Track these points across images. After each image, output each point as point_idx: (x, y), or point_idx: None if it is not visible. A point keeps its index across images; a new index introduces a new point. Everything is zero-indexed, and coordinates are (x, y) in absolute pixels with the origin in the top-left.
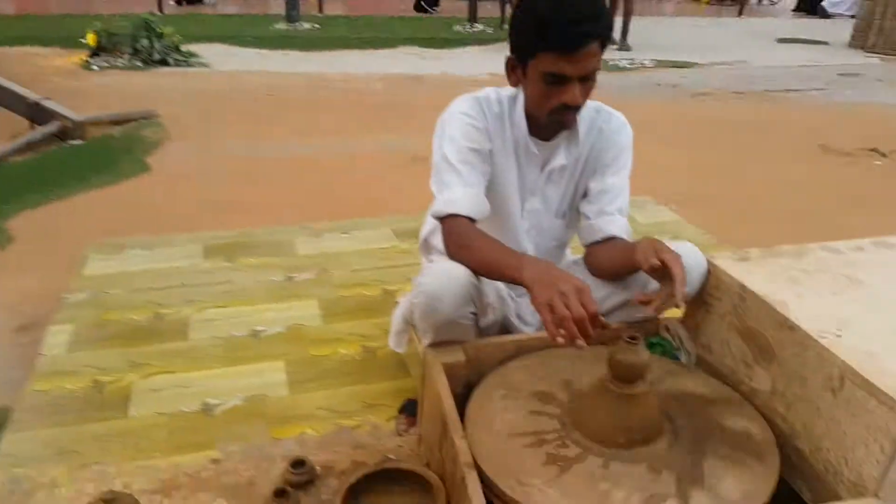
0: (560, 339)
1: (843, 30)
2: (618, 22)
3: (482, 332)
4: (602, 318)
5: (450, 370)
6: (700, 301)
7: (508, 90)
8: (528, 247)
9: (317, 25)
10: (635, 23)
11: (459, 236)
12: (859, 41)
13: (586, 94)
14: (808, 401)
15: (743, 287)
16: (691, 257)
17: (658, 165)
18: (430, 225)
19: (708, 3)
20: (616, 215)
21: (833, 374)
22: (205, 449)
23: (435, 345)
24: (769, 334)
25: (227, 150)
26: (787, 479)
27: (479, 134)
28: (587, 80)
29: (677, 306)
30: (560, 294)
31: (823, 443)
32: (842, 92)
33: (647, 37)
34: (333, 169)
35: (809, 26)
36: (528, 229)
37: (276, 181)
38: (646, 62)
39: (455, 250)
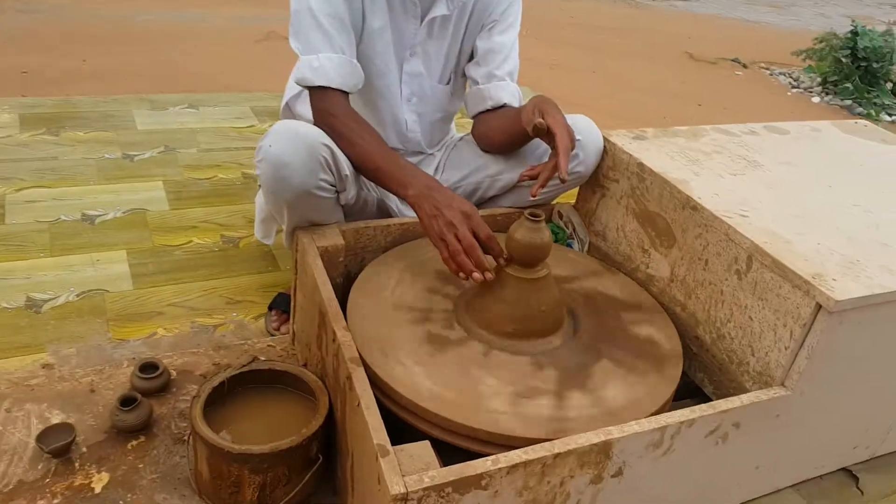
0: (461, 275)
1: None
2: None
3: (348, 213)
4: (499, 246)
5: (327, 255)
6: (595, 183)
7: None
8: (410, 118)
9: None
10: None
11: (333, 121)
12: None
13: None
14: (710, 285)
15: (642, 166)
16: (586, 131)
17: (535, 61)
18: (293, 90)
19: None
20: (507, 80)
21: (739, 256)
22: (33, 352)
23: (306, 228)
24: (669, 216)
25: (53, 11)
26: (687, 372)
27: None
28: None
29: (562, 180)
30: (448, 224)
31: (727, 330)
32: (704, 4)
33: None
34: (178, 39)
35: None
36: (409, 97)
37: (112, 50)
38: None
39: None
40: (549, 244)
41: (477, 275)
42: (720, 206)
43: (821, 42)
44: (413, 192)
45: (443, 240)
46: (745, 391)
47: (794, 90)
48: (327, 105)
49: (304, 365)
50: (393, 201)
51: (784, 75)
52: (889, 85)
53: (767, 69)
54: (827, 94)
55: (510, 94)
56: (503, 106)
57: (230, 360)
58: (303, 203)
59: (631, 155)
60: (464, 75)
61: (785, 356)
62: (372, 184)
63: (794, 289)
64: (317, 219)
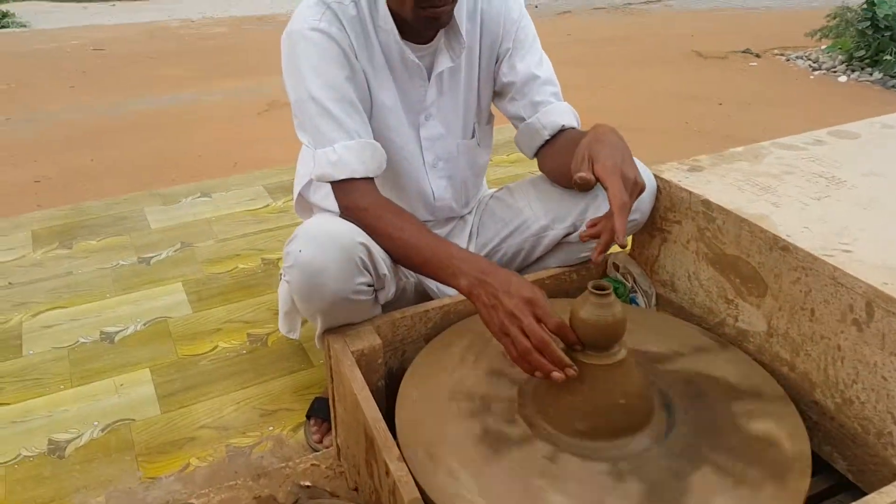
0: (537, 374)
1: None
2: None
3: (385, 305)
4: (573, 333)
5: (364, 360)
6: (653, 227)
7: None
8: (440, 185)
9: None
10: None
11: (365, 216)
12: None
13: None
14: (823, 340)
15: (708, 204)
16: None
17: None
18: (304, 177)
19: None
20: (554, 102)
21: (855, 303)
22: (56, 500)
23: (336, 329)
24: (755, 260)
25: (55, 116)
26: (813, 448)
27: (345, 54)
28: None
29: (621, 245)
30: (509, 316)
31: (853, 393)
32: (700, 0)
33: None
34: (182, 124)
35: None
36: (434, 162)
37: (116, 144)
38: None
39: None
40: (622, 321)
41: (557, 374)
42: (816, 243)
43: (834, 18)
44: (466, 283)
45: (507, 335)
46: (894, 468)
47: (817, 72)
48: (355, 198)
49: (356, 489)
50: (431, 282)
51: (802, 59)
52: None
53: (782, 55)
54: (853, 70)
55: (562, 113)
56: (562, 130)
57: (272, 489)
58: (338, 308)
59: (691, 192)
60: (489, 122)
61: None
62: (395, 271)
63: None
64: (353, 320)
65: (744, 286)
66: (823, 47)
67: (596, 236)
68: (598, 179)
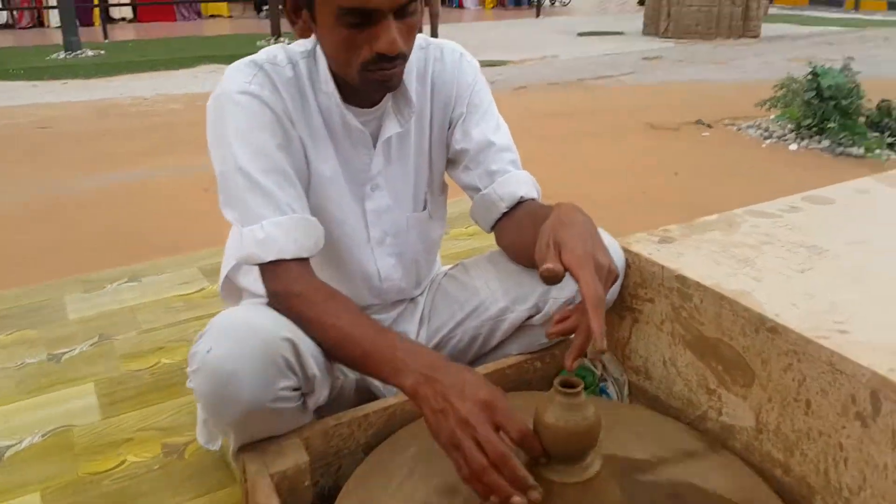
0: (494, 500)
1: (633, 21)
2: (426, 29)
3: (319, 413)
4: (538, 444)
5: (287, 484)
6: (623, 307)
7: (299, 45)
8: (388, 264)
9: (101, 52)
10: (440, 29)
11: (296, 303)
12: (651, 28)
13: (408, 38)
14: (822, 437)
15: (683, 279)
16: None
17: None
18: (233, 258)
19: (492, 7)
20: (512, 171)
21: (858, 394)
22: None
23: (254, 445)
24: (738, 344)
25: None
26: None
27: (278, 120)
28: (405, 17)
29: (600, 350)
30: (461, 423)
31: (863, 502)
32: (650, 74)
33: (456, 39)
34: (122, 204)
35: (604, 21)
36: (381, 239)
37: (49, 226)
38: None
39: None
40: (596, 426)
41: (518, 500)
42: (806, 323)
43: (782, 88)
44: (410, 382)
45: (457, 447)
46: None
47: (768, 140)
48: (285, 282)
49: None
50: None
51: (753, 128)
52: (862, 119)
53: (733, 125)
54: (803, 138)
55: (524, 183)
56: (521, 202)
57: None
58: (256, 420)
59: (664, 266)
60: (442, 192)
61: None
62: (330, 372)
63: None
64: (276, 432)
65: (727, 374)
66: (772, 117)
67: (565, 334)
68: (566, 269)
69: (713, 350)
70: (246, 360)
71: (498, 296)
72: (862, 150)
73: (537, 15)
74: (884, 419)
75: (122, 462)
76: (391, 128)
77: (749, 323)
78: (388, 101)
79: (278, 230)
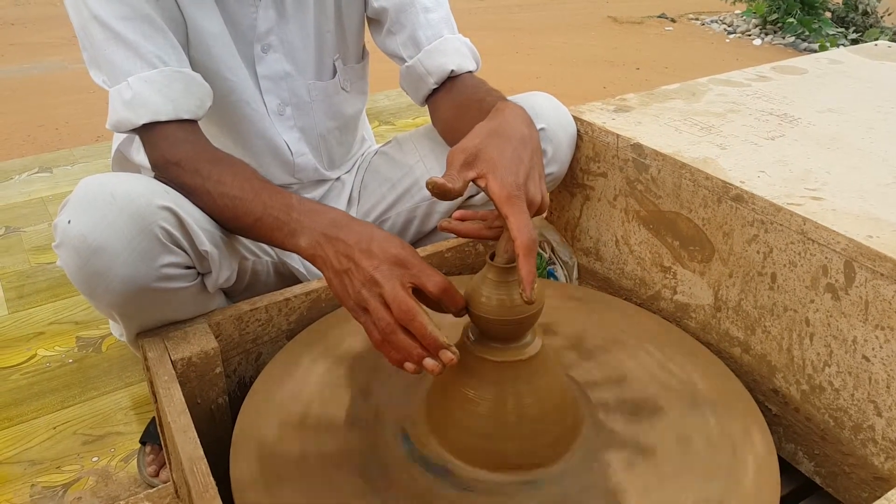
0: (408, 367)
1: None
2: None
3: (234, 294)
4: (459, 295)
5: (194, 372)
6: (573, 184)
7: None
8: (293, 137)
9: None
10: None
11: (177, 171)
12: None
13: None
14: (787, 312)
15: (640, 148)
16: (551, 116)
17: None
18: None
19: None
20: (445, 34)
21: (831, 263)
22: None
23: (155, 330)
24: (698, 216)
25: None
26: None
27: None
28: None
29: (527, 301)
30: (368, 282)
31: (825, 378)
32: None
33: None
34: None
35: None
36: (280, 109)
37: None
38: None
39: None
40: (538, 303)
41: (430, 362)
42: (777, 190)
43: None
44: (307, 242)
45: (365, 309)
46: (875, 469)
47: (732, 36)
48: (163, 150)
49: None
50: (295, 260)
51: (717, 23)
52: (828, 14)
53: (697, 19)
54: (767, 34)
55: (455, 53)
56: (452, 75)
57: None
58: (143, 302)
59: (619, 135)
60: (361, 60)
61: None
62: (230, 247)
63: None
64: (176, 317)
65: (684, 249)
66: (738, 11)
67: (460, 235)
68: (491, 199)
69: (670, 226)
70: (114, 231)
71: (435, 173)
72: (817, 46)
73: None
74: (857, 290)
75: (33, 356)
76: None
77: (711, 193)
78: None
79: (148, 87)
